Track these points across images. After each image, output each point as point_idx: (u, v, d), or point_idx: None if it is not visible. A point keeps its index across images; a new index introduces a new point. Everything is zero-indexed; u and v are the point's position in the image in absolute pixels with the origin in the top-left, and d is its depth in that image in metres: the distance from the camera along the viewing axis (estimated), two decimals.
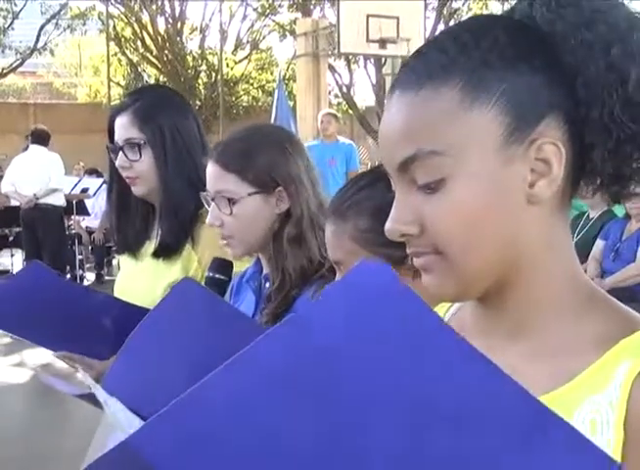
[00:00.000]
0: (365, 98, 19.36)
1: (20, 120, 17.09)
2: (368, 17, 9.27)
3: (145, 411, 0.87)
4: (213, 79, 19.28)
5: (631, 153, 0.68)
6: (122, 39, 19.62)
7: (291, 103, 10.96)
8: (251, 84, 20.66)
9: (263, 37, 20.73)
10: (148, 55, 19.62)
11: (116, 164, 1.76)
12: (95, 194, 9.29)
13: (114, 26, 18.94)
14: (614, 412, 0.64)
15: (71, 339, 1.57)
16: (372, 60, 15.83)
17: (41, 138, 7.73)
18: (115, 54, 19.21)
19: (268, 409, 0.50)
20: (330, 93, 14.84)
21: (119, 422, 0.91)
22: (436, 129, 0.67)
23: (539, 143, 0.67)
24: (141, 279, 1.82)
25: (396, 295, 0.49)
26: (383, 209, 1.21)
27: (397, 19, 9.37)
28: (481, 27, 0.70)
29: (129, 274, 1.89)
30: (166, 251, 1.75)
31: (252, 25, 20.59)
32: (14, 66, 20.56)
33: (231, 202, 1.44)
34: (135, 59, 20.25)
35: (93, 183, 9.55)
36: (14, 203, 8.38)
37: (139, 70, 20.40)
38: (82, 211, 9.28)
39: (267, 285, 1.51)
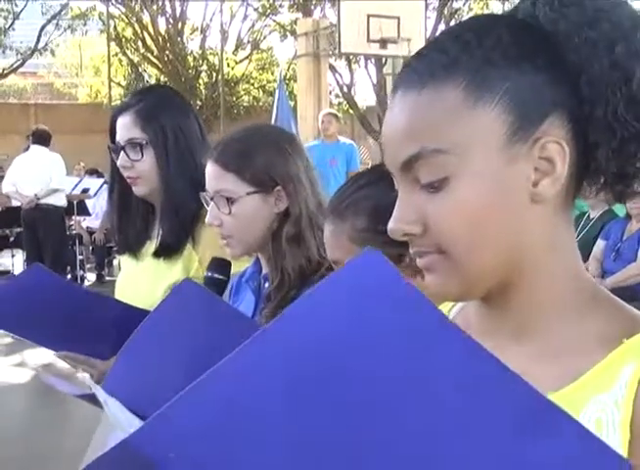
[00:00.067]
0: (366, 98, 19.37)
1: (20, 121, 17.10)
2: (369, 17, 9.27)
3: (145, 412, 0.86)
4: (214, 79, 19.27)
5: (635, 152, 0.68)
6: (123, 39, 19.62)
7: (291, 103, 10.96)
8: (252, 84, 20.66)
9: (264, 37, 20.74)
10: (149, 55, 19.61)
11: (118, 163, 1.76)
12: (96, 194, 9.29)
13: (115, 27, 18.94)
14: (619, 411, 0.64)
15: (73, 339, 1.57)
16: (373, 60, 15.82)
17: (42, 138, 7.73)
18: (116, 54, 19.22)
19: (267, 406, 0.50)
20: (330, 93, 14.84)
21: (119, 422, 0.91)
22: (440, 128, 0.67)
23: (543, 142, 0.67)
24: (142, 279, 1.81)
25: (396, 287, 0.48)
26: (381, 208, 1.21)
27: (398, 19, 9.37)
28: (484, 26, 0.70)
29: (130, 275, 1.89)
30: (167, 250, 1.75)
31: (253, 25, 20.60)
32: (14, 66, 20.56)
33: (230, 201, 1.44)
34: (136, 59, 20.25)
35: (94, 183, 9.55)
36: (15, 203, 8.38)
37: (140, 70, 20.41)
38: (83, 211, 9.29)
39: (266, 285, 1.51)
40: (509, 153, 0.67)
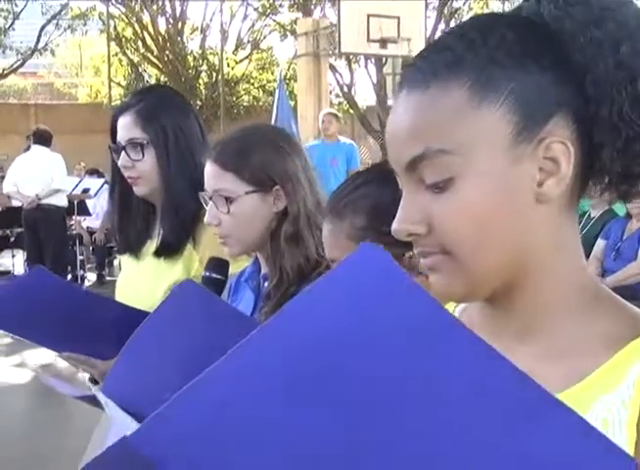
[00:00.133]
0: (366, 98, 19.37)
1: (21, 121, 17.10)
2: (369, 16, 9.28)
3: (146, 412, 0.86)
4: (214, 79, 19.27)
5: None
6: (123, 39, 19.63)
7: (291, 103, 10.96)
8: (252, 84, 20.66)
9: (264, 37, 20.74)
10: (149, 55, 19.62)
11: (119, 163, 1.76)
12: (96, 194, 9.29)
13: (115, 27, 18.95)
14: (626, 411, 0.64)
15: (74, 339, 1.57)
16: (373, 59, 15.83)
17: (43, 138, 7.72)
18: (116, 54, 19.23)
19: (266, 405, 0.50)
20: (331, 93, 14.84)
21: (119, 424, 0.91)
22: (445, 128, 0.66)
23: (548, 142, 0.67)
24: (142, 280, 1.81)
25: (397, 281, 0.47)
26: (379, 207, 1.22)
27: (398, 18, 9.38)
28: (488, 25, 0.69)
29: (131, 275, 1.88)
30: (167, 250, 1.75)
31: (253, 25, 20.60)
32: (14, 66, 20.57)
33: (228, 201, 1.44)
34: (136, 59, 20.25)
35: (94, 183, 9.55)
36: (15, 203, 8.38)
37: (140, 70, 20.41)
38: (83, 211, 9.29)
39: (266, 284, 1.51)
40: (514, 153, 0.67)
